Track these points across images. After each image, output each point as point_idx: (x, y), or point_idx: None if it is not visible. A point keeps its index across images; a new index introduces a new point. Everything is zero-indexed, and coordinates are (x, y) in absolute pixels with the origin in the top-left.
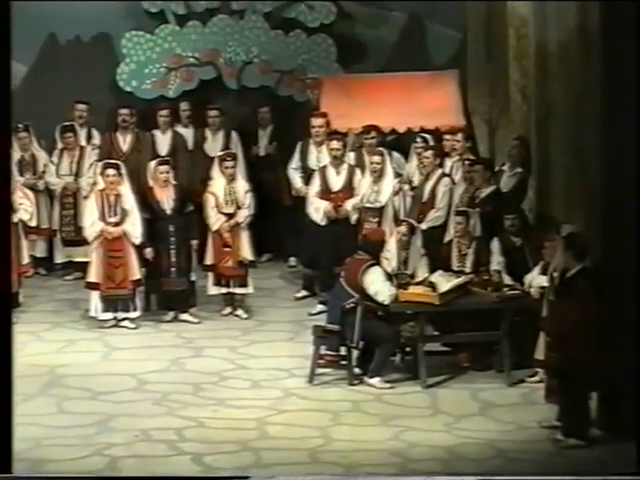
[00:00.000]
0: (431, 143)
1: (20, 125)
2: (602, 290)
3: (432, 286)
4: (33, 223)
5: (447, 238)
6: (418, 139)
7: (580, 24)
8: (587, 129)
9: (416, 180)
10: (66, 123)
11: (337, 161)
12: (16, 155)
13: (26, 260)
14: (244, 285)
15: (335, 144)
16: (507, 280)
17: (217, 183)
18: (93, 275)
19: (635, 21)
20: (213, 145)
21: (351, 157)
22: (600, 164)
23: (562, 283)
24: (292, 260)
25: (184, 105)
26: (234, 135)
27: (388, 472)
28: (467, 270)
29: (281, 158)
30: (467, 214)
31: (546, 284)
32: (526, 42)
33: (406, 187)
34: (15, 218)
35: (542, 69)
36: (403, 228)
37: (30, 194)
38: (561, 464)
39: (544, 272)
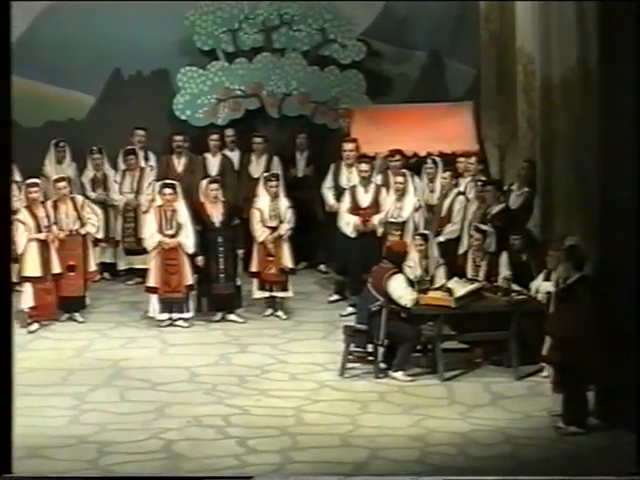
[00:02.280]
0: (440, 165)
1: (94, 148)
2: (599, 295)
3: (449, 291)
4: (100, 235)
5: (461, 249)
6: (429, 162)
7: (580, 61)
8: (586, 153)
9: (430, 198)
10: (128, 147)
11: (365, 181)
12: (89, 174)
13: (93, 267)
14: (285, 290)
15: (364, 166)
16: (515, 286)
17: (262, 200)
18: (152, 280)
19: (631, 57)
20: (257, 167)
21: (378, 178)
22: (598, 184)
23: (563, 289)
24: (322, 267)
25: (229, 132)
26: (275, 159)
27: (410, 454)
28: (480, 279)
29: (316, 179)
30: (484, 232)
31: (551, 289)
32: (532, 77)
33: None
34: (83, 231)
35: (546, 100)
36: (418, 239)
37: (97, 210)
38: (563, 449)
39: (547, 279)
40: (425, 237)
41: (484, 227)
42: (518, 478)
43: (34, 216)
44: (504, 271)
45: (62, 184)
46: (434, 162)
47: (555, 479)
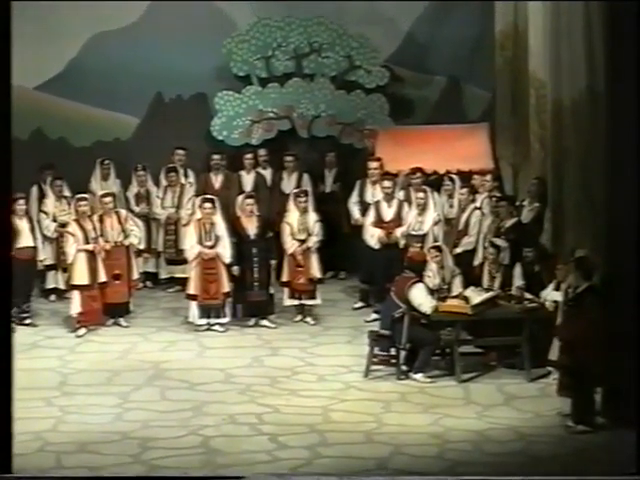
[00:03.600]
0: (458, 183)
1: (139, 165)
2: (605, 303)
3: (466, 299)
4: (142, 246)
5: (477, 261)
6: (447, 180)
7: (589, 86)
8: (594, 172)
9: (448, 213)
10: (170, 165)
11: (388, 197)
12: (134, 189)
13: (136, 276)
14: (313, 298)
15: (387, 183)
16: (527, 295)
17: (292, 215)
18: (192, 288)
19: (637, 82)
20: (288, 184)
21: (400, 194)
22: (605, 200)
23: (572, 298)
24: (342, 274)
25: (262, 151)
26: (305, 176)
27: (429, 451)
28: (495, 288)
29: (343, 194)
30: (499, 247)
31: (559, 299)
32: (544, 100)
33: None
34: (127, 242)
35: (557, 122)
36: (433, 251)
37: (139, 223)
38: (571, 446)
39: (557, 288)
40: (439, 248)
41: (499, 242)
42: (527, 478)
43: (82, 229)
44: (517, 281)
45: (108, 199)
46: (452, 179)
47: (557, 479)
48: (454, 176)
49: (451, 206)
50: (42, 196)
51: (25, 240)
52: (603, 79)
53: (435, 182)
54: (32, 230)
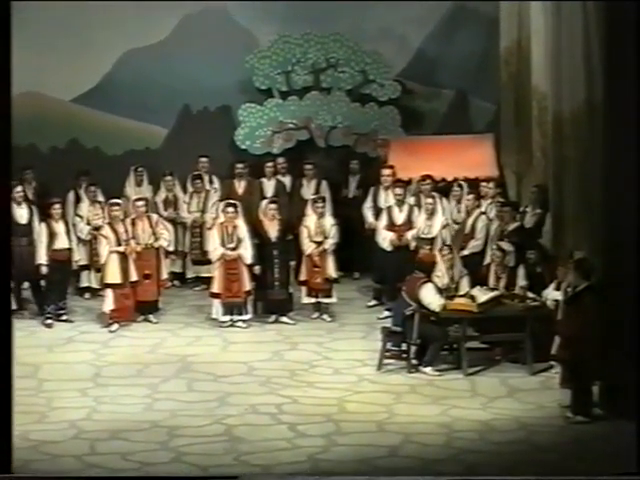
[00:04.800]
0: (466, 190)
1: (167, 172)
2: (603, 301)
3: (472, 298)
4: (171, 248)
5: (484, 262)
6: (455, 187)
7: (587, 98)
8: (593, 179)
9: (456, 217)
10: (195, 172)
11: (400, 202)
12: (162, 195)
13: (165, 276)
14: (329, 296)
15: (398, 190)
16: (529, 294)
17: (310, 219)
18: (216, 287)
19: (633, 94)
20: (307, 190)
21: (411, 199)
22: (603, 206)
23: (571, 296)
24: (356, 274)
25: (281, 160)
26: (324, 182)
27: (438, 439)
28: (500, 288)
29: (362, 200)
30: (504, 250)
31: (559, 298)
32: (545, 112)
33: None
34: (157, 244)
35: (558, 133)
36: (445, 249)
37: (169, 226)
38: (570, 435)
39: (558, 288)
40: (451, 248)
41: (505, 246)
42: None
43: (115, 231)
44: (521, 281)
45: (141, 203)
46: (460, 186)
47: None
48: (462, 183)
49: (458, 211)
50: (78, 200)
51: (61, 242)
52: (601, 92)
53: (444, 188)
54: (68, 233)
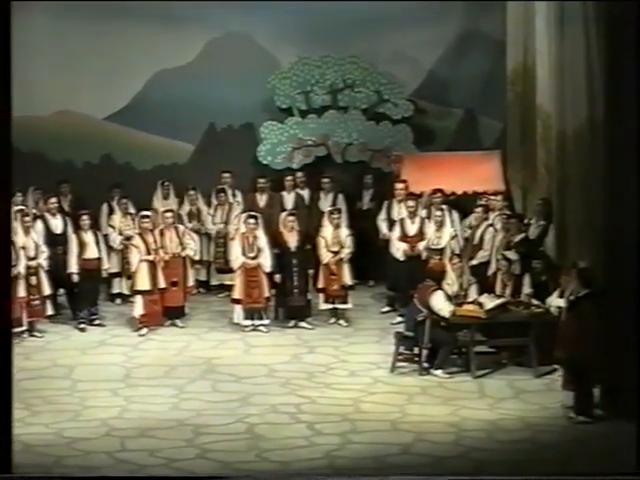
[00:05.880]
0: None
1: (190, 186)
2: (604, 307)
3: (480, 305)
4: (197, 257)
5: (490, 271)
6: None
7: (589, 117)
8: (594, 193)
9: (465, 229)
10: (219, 186)
11: (412, 215)
12: (186, 208)
13: (191, 283)
14: (345, 302)
15: (411, 203)
16: (534, 301)
17: (327, 229)
18: (237, 293)
19: (632, 114)
20: (325, 203)
21: (423, 212)
22: (603, 219)
23: (573, 302)
24: (371, 282)
25: (299, 174)
26: (340, 196)
27: (447, 438)
28: (506, 295)
29: (377, 212)
30: (510, 260)
31: (562, 305)
32: (550, 130)
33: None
34: (184, 254)
35: (561, 150)
36: (455, 258)
37: (195, 237)
38: (573, 435)
39: (561, 296)
40: (460, 257)
41: (511, 255)
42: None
43: (144, 241)
44: (526, 289)
45: (169, 214)
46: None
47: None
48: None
49: (470, 226)
50: (111, 212)
51: (91, 252)
52: (602, 112)
53: (454, 202)
54: (97, 243)
